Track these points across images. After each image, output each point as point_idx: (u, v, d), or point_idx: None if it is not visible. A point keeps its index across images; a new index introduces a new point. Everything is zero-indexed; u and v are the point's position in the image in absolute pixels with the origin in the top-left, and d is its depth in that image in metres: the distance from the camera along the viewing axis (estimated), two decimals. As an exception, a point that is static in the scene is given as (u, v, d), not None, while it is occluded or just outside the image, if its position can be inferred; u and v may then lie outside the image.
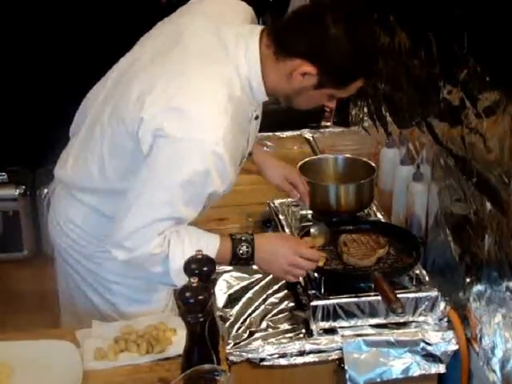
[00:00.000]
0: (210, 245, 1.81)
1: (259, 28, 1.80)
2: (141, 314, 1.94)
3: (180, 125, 1.68)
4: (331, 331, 1.95)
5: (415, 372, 1.95)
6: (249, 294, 2.11)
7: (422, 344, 1.95)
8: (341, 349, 1.92)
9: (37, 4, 3.84)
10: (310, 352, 1.92)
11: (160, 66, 1.79)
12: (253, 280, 2.18)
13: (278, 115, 3.19)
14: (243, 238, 1.84)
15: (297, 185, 2.25)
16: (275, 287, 2.14)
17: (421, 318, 1.98)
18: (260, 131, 2.87)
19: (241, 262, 1.85)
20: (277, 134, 3.08)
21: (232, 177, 1.78)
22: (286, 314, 2.04)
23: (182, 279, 1.77)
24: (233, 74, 1.75)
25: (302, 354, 1.92)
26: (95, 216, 1.95)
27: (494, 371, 1.85)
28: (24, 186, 3.75)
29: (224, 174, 1.73)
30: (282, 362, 1.91)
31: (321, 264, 1.96)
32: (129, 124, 1.77)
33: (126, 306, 2.01)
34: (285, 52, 1.73)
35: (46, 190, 3.54)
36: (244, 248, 1.83)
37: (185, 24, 1.85)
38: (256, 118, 1.88)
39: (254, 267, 2.21)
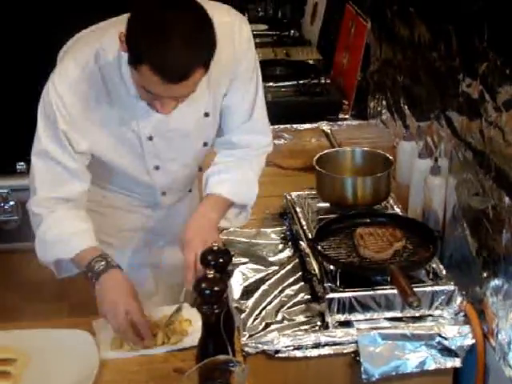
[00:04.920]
0: (74, 242, 1.85)
1: None
2: None
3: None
4: (347, 324, 1.95)
5: (431, 366, 1.95)
6: (265, 286, 2.11)
7: (438, 338, 1.94)
8: (356, 342, 1.92)
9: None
10: (326, 344, 1.92)
11: None
12: (269, 272, 2.17)
13: (295, 107, 3.20)
14: (105, 260, 1.81)
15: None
16: (291, 279, 2.13)
17: (437, 312, 1.97)
18: (277, 123, 2.93)
19: (89, 274, 1.81)
20: (294, 126, 3.07)
21: (85, 131, 1.83)
22: (302, 306, 2.03)
23: (42, 256, 1.92)
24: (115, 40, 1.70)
25: (317, 346, 1.92)
26: None
27: (510, 366, 1.84)
28: (42, 176, 3.75)
29: (66, 116, 1.81)
30: (297, 354, 1.91)
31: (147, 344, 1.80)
32: None
33: None
34: None
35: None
36: (98, 264, 1.81)
37: None
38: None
39: (271, 259, 2.23)
